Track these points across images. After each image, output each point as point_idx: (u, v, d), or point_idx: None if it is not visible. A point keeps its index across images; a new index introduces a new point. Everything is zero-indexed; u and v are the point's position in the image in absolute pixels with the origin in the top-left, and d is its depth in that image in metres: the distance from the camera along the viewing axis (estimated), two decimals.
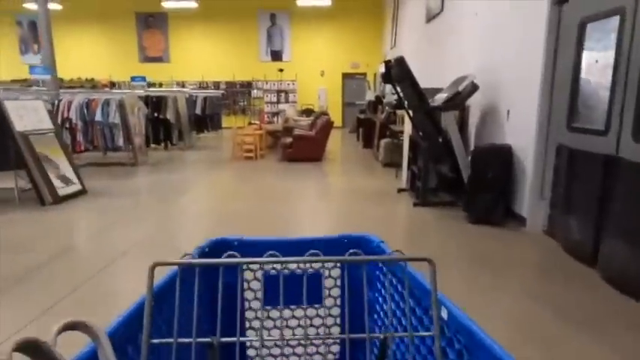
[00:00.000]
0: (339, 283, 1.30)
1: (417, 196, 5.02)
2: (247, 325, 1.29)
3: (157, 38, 16.55)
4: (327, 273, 1.29)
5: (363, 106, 15.27)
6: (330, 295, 1.30)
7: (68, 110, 7.31)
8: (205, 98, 12.32)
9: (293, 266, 1.28)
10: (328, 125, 8.17)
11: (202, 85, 16.52)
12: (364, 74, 16.56)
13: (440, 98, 4.92)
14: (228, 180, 6.69)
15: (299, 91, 16.51)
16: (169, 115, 9.81)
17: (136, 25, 16.46)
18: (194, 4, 14.80)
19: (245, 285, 1.27)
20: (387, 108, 8.24)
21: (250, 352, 1.31)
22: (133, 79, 11.43)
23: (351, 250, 0.96)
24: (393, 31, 12.14)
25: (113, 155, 8.01)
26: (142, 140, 8.12)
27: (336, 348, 1.34)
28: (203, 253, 1.24)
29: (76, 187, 5.39)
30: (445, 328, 0.88)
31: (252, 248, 1.31)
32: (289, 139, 8.17)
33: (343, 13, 16.18)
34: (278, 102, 16.45)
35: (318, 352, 1.30)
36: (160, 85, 16.07)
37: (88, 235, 4.03)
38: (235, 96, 16.68)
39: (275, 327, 1.27)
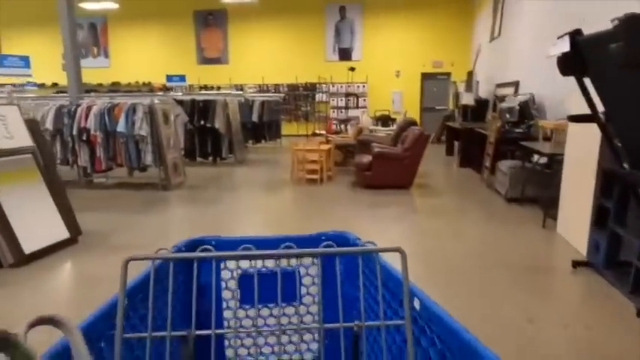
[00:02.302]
0: (316, 281, 1.28)
1: (633, 286, 2.62)
2: (225, 324, 1.26)
3: (215, 37, 15.19)
4: (303, 271, 1.28)
5: (446, 112, 12.77)
6: (308, 293, 1.28)
7: (86, 118, 5.72)
8: (263, 103, 10.55)
9: (270, 264, 1.27)
10: (422, 140, 5.89)
11: (262, 89, 14.88)
12: (448, 74, 14.00)
13: None
14: (281, 219, 4.68)
15: (370, 94, 14.32)
16: (218, 124, 8.07)
17: (195, 24, 15.23)
18: None
19: (223, 285, 1.26)
20: (507, 116, 5.81)
21: (228, 353, 1.29)
22: (168, 78, 9.82)
23: (324, 243, 1.05)
24: (496, 18, 9.58)
25: (142, 174, 6.33)
26: (179, 156, 6.37)
27: (314, 346, 1.30)
28: (179, 251, 1.25)
29: (58, 235, 3.63)
30: (418, 317, 0.90)
31: (230, 246, 1.28)
32: (367, 159, 6.00)
33: (424, 3, 13.78)
34: (346, 107, 14.36)
35: (291, 342, 1.29)
36: (218, 88, 14.67)
37: None
38: (297, 100, 14.84)
39: (253, 325, 1.23)
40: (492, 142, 6.04)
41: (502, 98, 6.38)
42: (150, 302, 0.84)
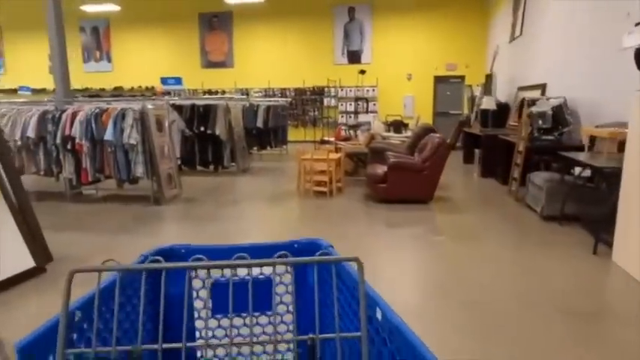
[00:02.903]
0: (290, 289, 1.24)
1: None
2: (197, 334, 1.22)
3: (220, 40, 14.71)
4: (278, 279, 1.23)
5: (461, 117, 12.12)
6: (282, 302, 1.24)
7: (71, 126, 5.20)
8: (268, 108, 10.01)
9: (242, 272, 1.24)
10: (443, 149, 5.28)
11: (268, 93, 14.37)
12: (462, 77, 13.37)
13: None
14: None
15: (380, 98, 13.72)
16: (219, 130, 7.53)
17: (199, 27, 14.77)
18: None
19: (194, 294, 1.21)
20: (539, 122, 5.18)
21: None
22: (163, 81, 9.28)
23: (279, 252, 0.98)
24: (517, 16, 8.95)
25: (134, 186, 5.78)
26: (174, 166, 5.82)
27: (289, 355, 1.26)
28: (145, 261, 1.20)
29: (19, 265, 3.07)
30: (380, 329, 0.88)
31: (203, 255, 1.18)
32: (381, 169, 5.41)
33: (436, 3, 13.18)
34: (356, 112, 13.76)
35: (265, 352, 1.26)
36: (223, 92, 14.19)
37: None
38: (305, 105, 14.29)
39: (226, 336, 1.21)
40: (521, 150, 5.40)
41: (532, 102, 5.74)
42: (95, 317, 0.83)
